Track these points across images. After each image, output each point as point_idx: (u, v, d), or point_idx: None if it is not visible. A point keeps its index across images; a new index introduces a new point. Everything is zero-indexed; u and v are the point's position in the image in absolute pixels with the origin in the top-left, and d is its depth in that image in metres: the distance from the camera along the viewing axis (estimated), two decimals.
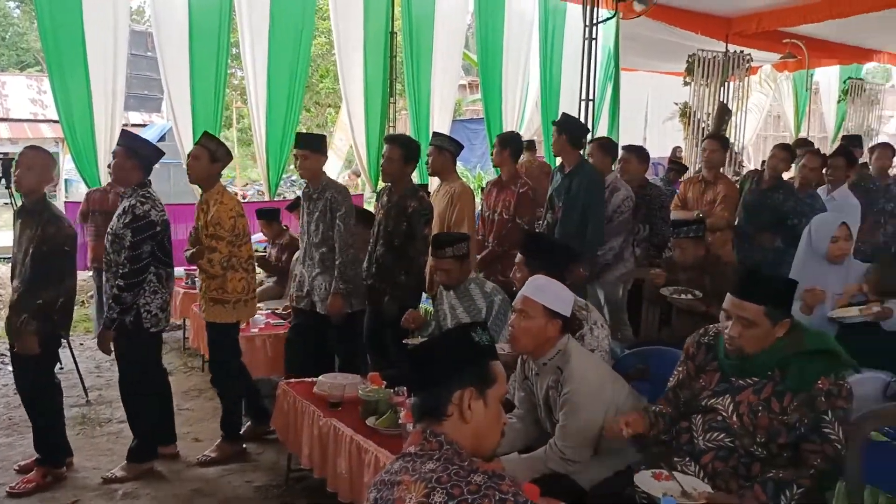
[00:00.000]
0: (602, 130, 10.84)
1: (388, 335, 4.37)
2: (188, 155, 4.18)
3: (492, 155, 5.13)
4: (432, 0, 8.70)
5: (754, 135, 14.56)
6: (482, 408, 1.61)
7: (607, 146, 5.34)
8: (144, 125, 18.28)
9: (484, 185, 7.52)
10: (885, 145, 6.48)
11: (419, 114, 9.17)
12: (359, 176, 13.24)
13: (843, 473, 2.23)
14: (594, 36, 6.33)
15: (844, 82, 13.06)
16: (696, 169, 7.48)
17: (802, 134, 13.40)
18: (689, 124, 11.36)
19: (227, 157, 4.14)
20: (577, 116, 6.33)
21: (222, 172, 4.24)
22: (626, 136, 13.09)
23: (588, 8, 6.29)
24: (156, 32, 7.24)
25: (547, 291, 2.63)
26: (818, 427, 2.19)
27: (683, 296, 4.15)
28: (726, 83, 11.08)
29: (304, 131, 5.12)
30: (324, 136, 4.61)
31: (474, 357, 1.64)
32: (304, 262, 4.52)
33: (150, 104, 19.74)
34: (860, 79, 13.26)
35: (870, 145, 8.14)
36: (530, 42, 9.84)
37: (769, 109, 16.05)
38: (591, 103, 6.48)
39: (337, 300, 4.26)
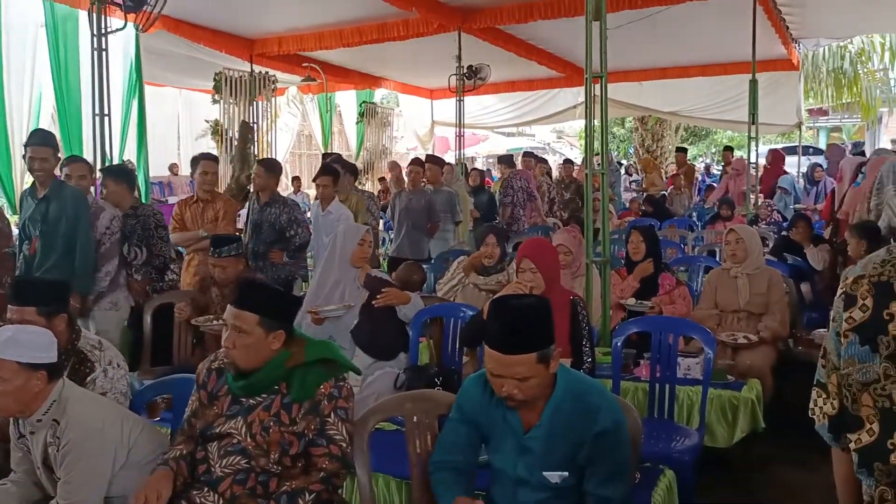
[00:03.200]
0: (131, 148, 10.23)
1: None
2: None
3: None
4: None
5: (287, 153, 15.24)
6: None
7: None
8: None
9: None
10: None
11: None
12: None
13: (351, 468, 2.37)
14: (105, 47, 5.88)
15: (360, 105, 14.47)
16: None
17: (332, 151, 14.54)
18: (221, 142, 11.39)
19: None
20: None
21: None
22: (159, 153, 12.61)
23: (95, 17, 5.80)
24: None
25: (18, 344, 2.25)
26: (324, 430, 2.30)
27: (215, 321, 4.06)
28: (254, 102, 11.40)
29: None
30: None
31: None
32: None
33: None
34: (373, 103, 14.84)
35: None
36: (36, 48, 8.76)
37: (300, 129, 17.04)
38: (106, 118, 6.00)
39: None
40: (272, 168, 5.61)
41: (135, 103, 9.99)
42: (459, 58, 10.03)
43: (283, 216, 5.35)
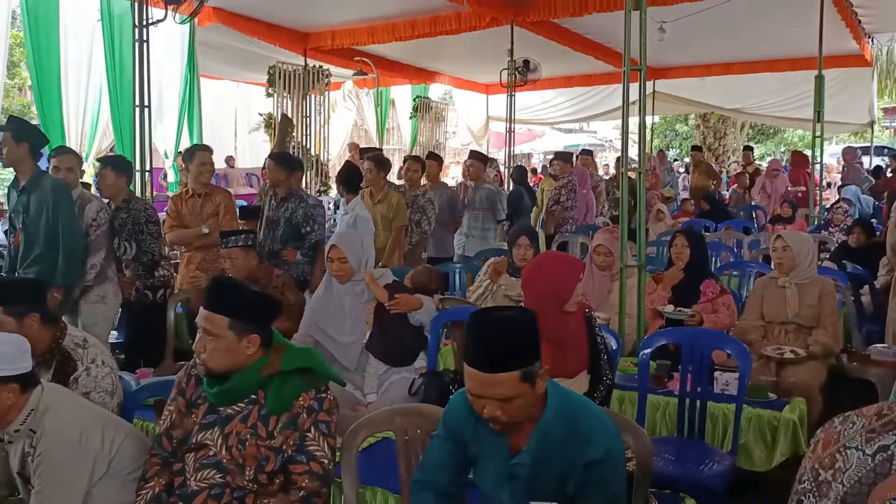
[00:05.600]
0: (185, 140, 10.38)
1: None
2: None
3: None
4: None
5: (343, 147, 15.27)
6: None
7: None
8: None
9: None
10: (413, 158, 6.98)
11: None
12: None
13: (329, 485, 2.23)
14: (146, 38, 5.90)
15: (414, 100, 14.38)
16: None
17: (387, 146, 14.52)
18: (274, 135, 11.45)
19: None
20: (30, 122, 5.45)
21: None
22: (216, 146, 12.75)
23: (137, 8, 5.83)
24: None
25: None
26: (303, 446, 2.16)
27: None
28: (308, 96, 11.42)
29: None
30: None
31: None
32: None
33: None
34: (427, 98, 14.73)
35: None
36: (93, 44, 8.94)
37: (360, 123, 17.06)
38: (147, 109, 6.03)
39: None
40: (285, 162, 5.39)
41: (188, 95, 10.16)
42: (511, 52, 9.81)
43: (300, 211, 5.18)
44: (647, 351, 3.38)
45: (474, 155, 7.34)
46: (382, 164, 6.11)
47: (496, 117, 15.02)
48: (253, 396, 2.20)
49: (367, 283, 3.62)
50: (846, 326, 4.80)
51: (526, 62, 10.44)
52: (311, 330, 3.58)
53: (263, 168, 11.56)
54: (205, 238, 4.96)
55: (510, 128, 10.23)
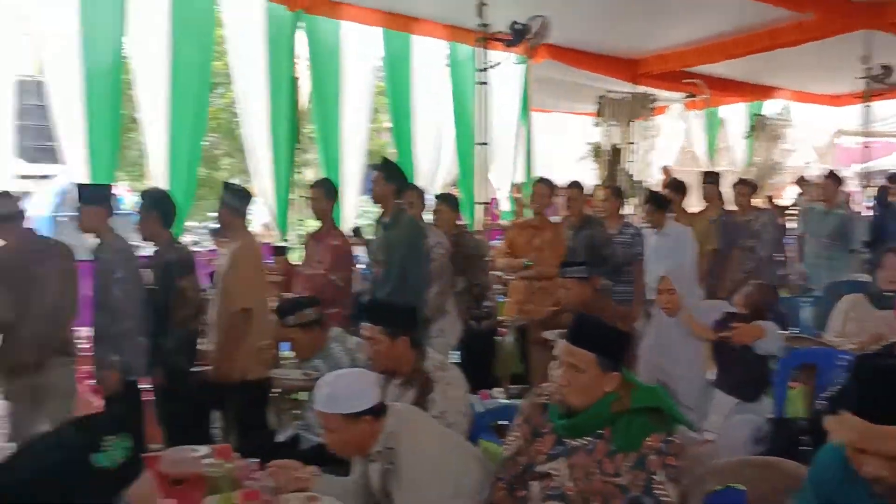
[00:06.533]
0: (518, 172, 10.92)
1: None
2: None
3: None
4: (336, 47, 8.57)
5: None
6: None
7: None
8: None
9: None
10: (743, 182, 6.59)
11: (328, 160, 8.96)
12: None
13: None
14: (486, 81, 6.36)
15: (752, 118, 13.48)
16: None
17: (717, 168, 13.79)
18: (603, 165, 11.56)
19: None
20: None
21: None
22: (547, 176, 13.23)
23: (480, 53, 6.32)
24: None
25: (337, 399, 2.34)
26: (650, 489, 2.10)
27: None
28: (632, 123, 11.35)
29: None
30: (105, 187, 4.21)
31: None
32: None
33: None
34: (761, 115, 13.72)
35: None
36: (442, 88, 9.83)
37: (686, 146, 16.46)
38: (485, 147, 6.49)
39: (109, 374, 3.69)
40: (581, 187, 5.45)
41: (522, 131, 10.69)
42: (867, 58, 8.76)
43: (597, 235, 5.12)
44: None
45: (832, 175, 6.68)
46: (679, 189, 6.17)
47: (848, 132, 13.48)
48: (599, 431, 2.21)
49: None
50: None
51: (886, 68, 9.24)
52: (653, 371, 3.62)
53: (589, 196, 11.77)
54: (525, 271, 5.13)
55: (866, 142, 9.11)
